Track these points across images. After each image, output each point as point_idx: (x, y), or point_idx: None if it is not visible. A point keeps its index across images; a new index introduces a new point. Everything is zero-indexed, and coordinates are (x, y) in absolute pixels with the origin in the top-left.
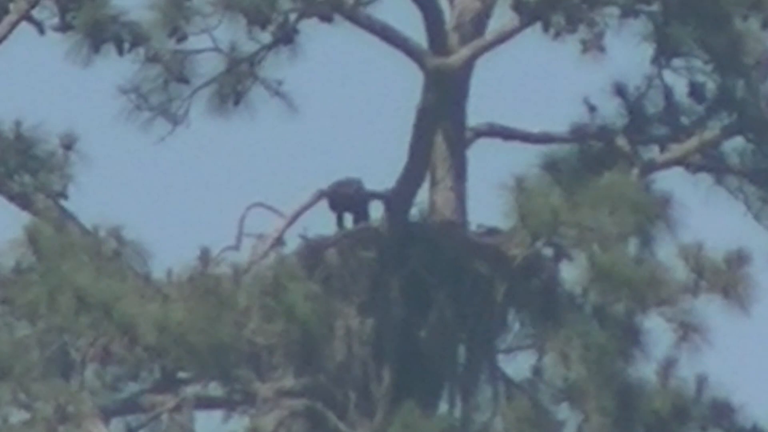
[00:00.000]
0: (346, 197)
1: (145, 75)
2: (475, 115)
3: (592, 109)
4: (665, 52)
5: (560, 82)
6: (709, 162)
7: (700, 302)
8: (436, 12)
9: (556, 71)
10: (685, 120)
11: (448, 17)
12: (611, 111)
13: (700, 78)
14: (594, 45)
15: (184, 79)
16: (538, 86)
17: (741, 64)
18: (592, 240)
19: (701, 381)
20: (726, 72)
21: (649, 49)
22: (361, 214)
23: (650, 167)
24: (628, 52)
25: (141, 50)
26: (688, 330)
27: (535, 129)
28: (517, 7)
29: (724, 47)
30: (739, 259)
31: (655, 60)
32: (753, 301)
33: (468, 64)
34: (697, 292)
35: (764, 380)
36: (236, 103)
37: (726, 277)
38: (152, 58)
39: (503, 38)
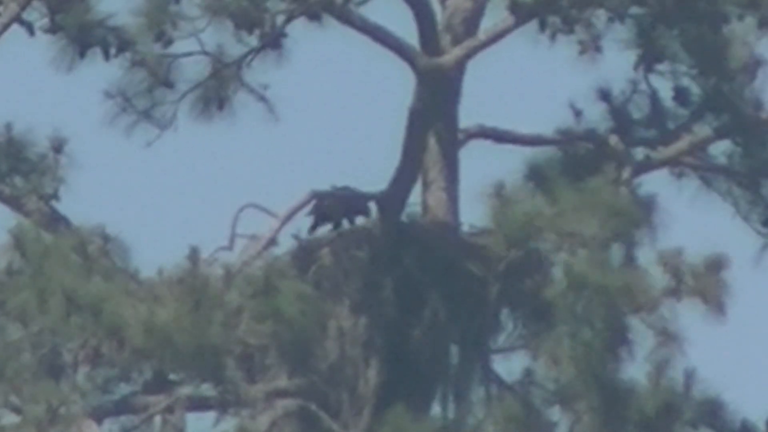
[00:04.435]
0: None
1: (130, 79)
2: (467, 117)
3: (577, 113)
4: (650, 56)
5: (551, 85)
6: (697, 164)
7: (681, 307)
8: (428, 12)
9: (547, 73)
10: (670, 124)
11: (440, 17)
12: (598, 115)
13: (685, 82)
14: (591, 47)
15: (169, 84)
16: (530, 88)
17: (727, 67)
18: (573, 245)
19: (690, 380)
20: (712, 75)
21: (634, 54)
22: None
23: (639, 169)
24: (614, 56)
25: (127, 54)
26: (668, 336)
27: (526, 131)
28: (512, 8)
29: (709, 50)
30: (718, 263)
31: (640, 64)
32: (732, 305)
33: (460, 65)
34: (678, 296)
35: (752, 380)
36: (220, 107)
37: (705, 281)
38: (138, 62)
39: (495, 38)
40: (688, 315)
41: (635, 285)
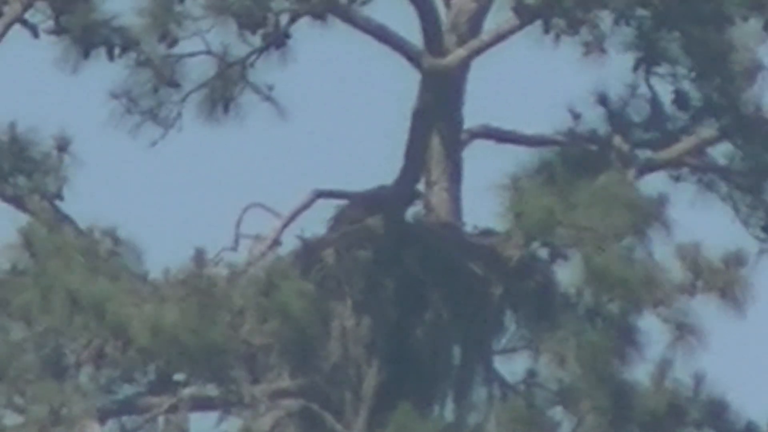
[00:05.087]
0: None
1: (135, 79)
2: (471, 117)
3: (576, 116)
4: (650, 59)
5: (556, 85)
6: (697, 167)
7: (697, 302)
8: (432, 12)
9: (551, 73)
10: (670, 127)
11: (444, 18)
12: (597, 117)
13: (685, 85)
14: (596, 48)
15: (174, 84)
16: (534, 88)
17: (727, 70)
18: (587, 240)
19: (697, 381)
20: (712, 78)
21: (634, 57)
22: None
23: (640, 171)
24: (615, 59)
25: (132, 54)
26: (684, 330)
27: (529, 131)
28: (517, 10)
29: (710, 54)
30: (736, 260)
31: (639, 66)
32: (749, 302)
33: (464, 65)
34: (693, 292)
35: (759, 380)
36: (226, 107)
37: (723, 278)
38: (143, 63)
39: (499, 39)
40: (705, 310)
41: (655, 279)
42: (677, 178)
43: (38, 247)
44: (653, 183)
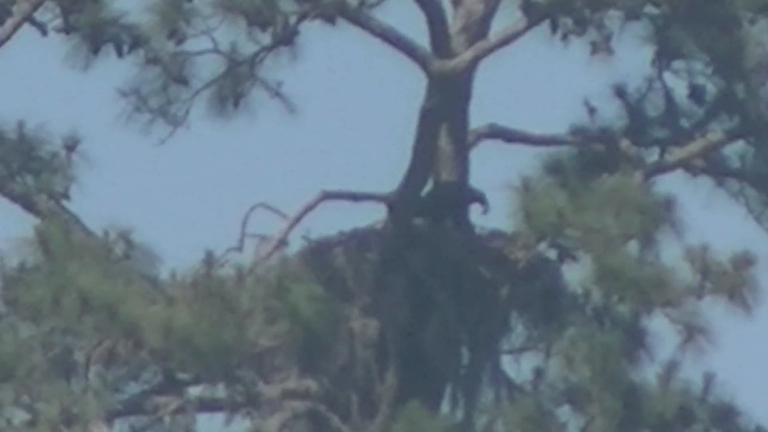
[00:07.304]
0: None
1: (144, 77)
2: (478, 118)
3: (592, 111)
4: (666, 54)
5: (563, 85)
6: (710, 165)
7: (706, 304)
8: (440, 14)
9: (559, 73)
10: (685, 123)
11: (452, 20)
12: (612, 113)
13: (700, 81)
14: (603, 47)
15: (183, 81)
16: (541, 88)
17: (742, 67)
18: (596, 241)
19: (706, 383)
20: (727, 75)
21: (649, 52)
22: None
23: (652, 170)
24: (629, 54)
25: (141, 52)
26: (693, 332)
27: (538, 131)
28: (525, 9)
29: (725, 50)
30: (744, 261)
31: (656, 62)
32: (758, 303)
33: (471, 67)
34: (702, 293)
35: (754, 384)
36: (236, 104)
37: (731, 279)
38: (152, 60)
39: (507, 41)
40: (714, 312)
41: (664, 280)
42: (693, 174)
43: (53, 246)
44: (666, 181)
